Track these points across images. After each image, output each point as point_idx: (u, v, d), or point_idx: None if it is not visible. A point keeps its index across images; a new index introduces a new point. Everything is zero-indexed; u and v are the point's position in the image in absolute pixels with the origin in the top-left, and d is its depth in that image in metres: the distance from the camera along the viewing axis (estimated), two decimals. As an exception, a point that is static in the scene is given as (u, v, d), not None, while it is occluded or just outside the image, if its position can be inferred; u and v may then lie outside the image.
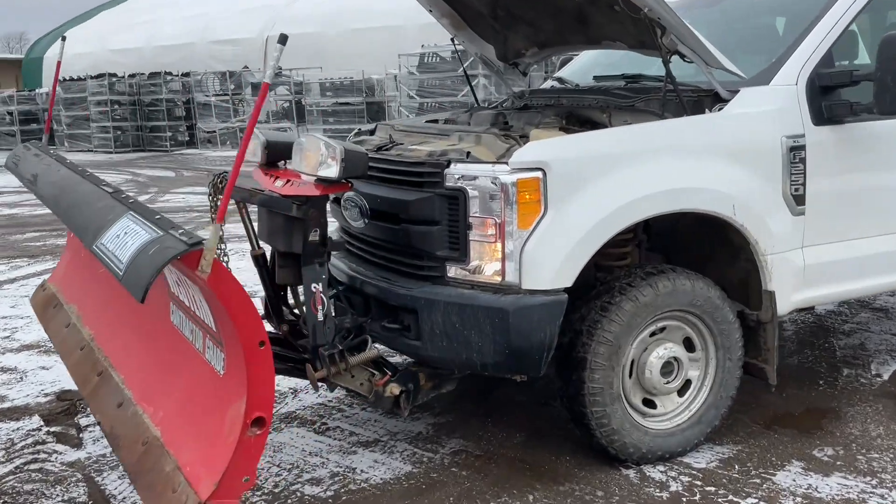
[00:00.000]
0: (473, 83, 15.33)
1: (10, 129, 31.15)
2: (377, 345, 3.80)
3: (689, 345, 3.85)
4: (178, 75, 26.33)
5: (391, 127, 4.57)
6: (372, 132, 4.78)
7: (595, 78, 4.86)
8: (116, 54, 30.90)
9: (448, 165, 3.56)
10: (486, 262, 3.50)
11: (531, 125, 4.26)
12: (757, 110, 3.80)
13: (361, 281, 3.96)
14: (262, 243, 4.00)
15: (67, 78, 28.12)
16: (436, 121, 5.01)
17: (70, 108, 28.09)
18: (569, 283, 3.43)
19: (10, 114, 31.00)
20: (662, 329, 3.75)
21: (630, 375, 3.71)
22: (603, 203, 3.45)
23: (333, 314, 3.80)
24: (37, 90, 32.27)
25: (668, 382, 3.77)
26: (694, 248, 4.09)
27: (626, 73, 4.55)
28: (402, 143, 4.14)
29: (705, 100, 3.90)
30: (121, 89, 26.79)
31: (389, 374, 3.80)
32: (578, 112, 4.43)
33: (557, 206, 3.40)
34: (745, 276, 3.94)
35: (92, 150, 26.97)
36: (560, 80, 5.13)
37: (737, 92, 3.82)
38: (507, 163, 3.42)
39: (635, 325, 3.59)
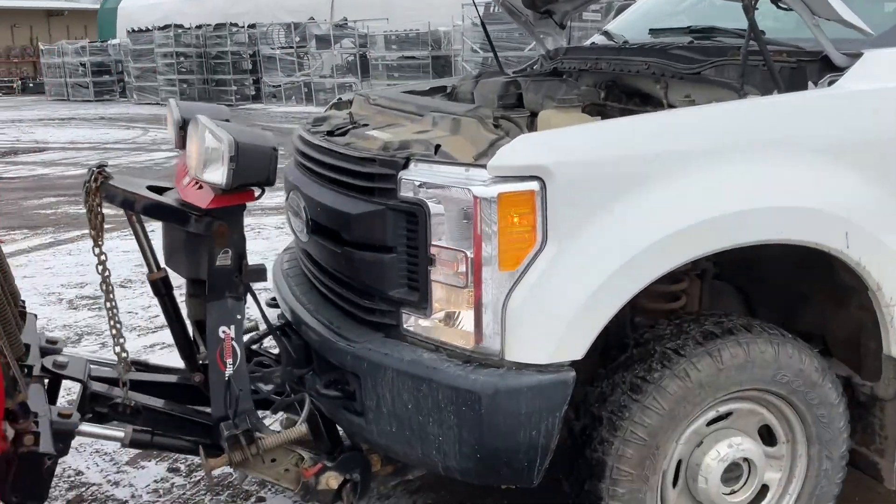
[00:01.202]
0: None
1: (84, 80, 31.02)
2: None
3: (766, 433, 2.58)
4: (243, 27, 25.48)
5: (365, 99, 3.37)
6: (350, 102, 3.59)
7: (652, 32, 3.52)
8: (185, 4, 30.23)
9: (405, 165, 2.36)
10: (453, 314, 2.30)
11: (551, 100, 2.99)
12: (890, 85, 2.44)
13: (300, 320, 2.81)
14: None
15: (136, 29, 27.64)
16: (436, 90, 3.79)
17: (138, 60, 27.67)
18: (578, 354, 2.22)
19: (83, 65, 30.84)
20: (727, 415, 2.49)
21: (674, 484, 2.48)
22: (636, 233, 2.21)
23: (250, 372, 2.69)
24: (110, 41, 32.00)
25: (732, 493, 2.52)
26: (782, 285, 2.79)
27: (694, 27, 3.22)
28: (366, 125, 2.94)
29: (808, 67, 2.58)
30: (187, 41, 26.14)
31: (325, 460, 2.66)
32: (623, 81, 3.14)
33: (562, 237, 2.18)
34: (857, 331, 2.64)
35: (159, 103, 26.51)
36: (607, 34, 3.80)
37: (858, 56, 2.48)
38: (485, 166, 2.19)
39: (684, 413, 2.35)
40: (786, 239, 2.32)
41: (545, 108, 2.81)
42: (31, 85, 38.79)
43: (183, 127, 2.96)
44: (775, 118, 2.37)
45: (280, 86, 24.30)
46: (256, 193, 2.43)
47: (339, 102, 3.77)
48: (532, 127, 2.67)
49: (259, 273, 2.65)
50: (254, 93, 25.62)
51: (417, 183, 2.32)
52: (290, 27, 23.87)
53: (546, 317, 2.20)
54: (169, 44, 25.71)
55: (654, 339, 2.46)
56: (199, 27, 26.20)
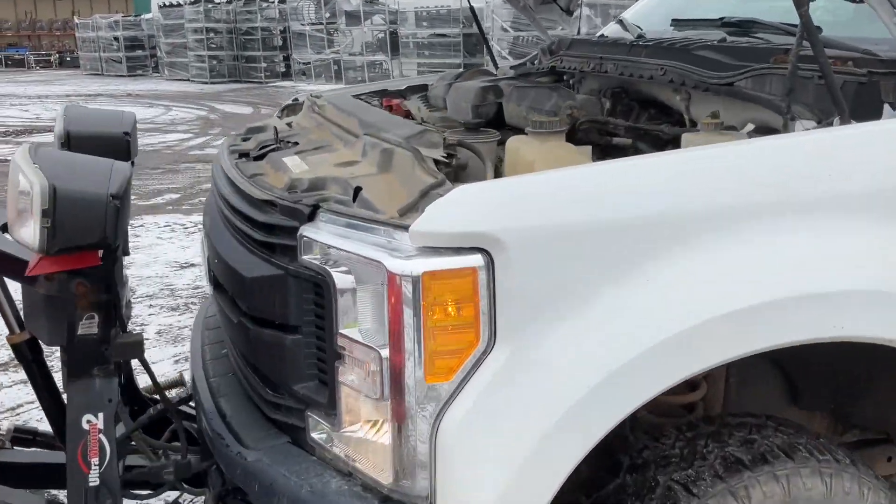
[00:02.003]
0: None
1: (117, 55, 30.75)
2: None
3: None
4: (274, 2, 24.88)
5: (314, 104, 2.69)
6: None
7: (674, 23, 2.78)
8: (217, -22, 29.66)
9: (311, 216, 1.69)
10: (369, 433, 1.63)
11: (538, 113, 2.29)
12: None
13: (199, 401, 2.17)
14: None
15: (168, 3, 27.21)
16: (414, 90, 3.10)
17: (169, 35, 27.26)
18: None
19: (117, 39, 30.55)
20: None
21: None
22: (628, 332, 1.52)
23: (121, 471, 2.07)
24: (143, 16, 31.67)
25: None
26: (833, 367, 2.07)
27: (728, 19, 2.47)
28: (294, 143, 2.28)
29: (883, 82, 1.84)
30: (217, 16, 25.62)
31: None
32: (634, 87, 2.42)
33: (517, 336, 1.51)
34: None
35: (189, 80, 26.10)
36: (622, 23, 3.06)
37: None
38: (408, 228, 1.52)
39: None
40: (846, 336, 1.60)
41: (527, 126, 2.11)
42: (68, 59, 38.71)
43: (66, 143, 2.32)
44: (836, 160, 1.63)
45: (310, 63, 23.70)
46: (101, 254, 1.78)
47: (293, 104, 3.10)
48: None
49: (131, 348, 2.01)
50: (284, 70, 25.10)
51: (323, 243, 1.64)
52: (321, 2, 23.19)
53: (494, 450, 1.52)
54: (199, 19, 25.23)
55: (656, 461, 1.76)
56: (229, 2, 25.67)
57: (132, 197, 2.01)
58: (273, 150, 2.25)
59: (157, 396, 2.74)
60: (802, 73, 1.87)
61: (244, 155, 2.24)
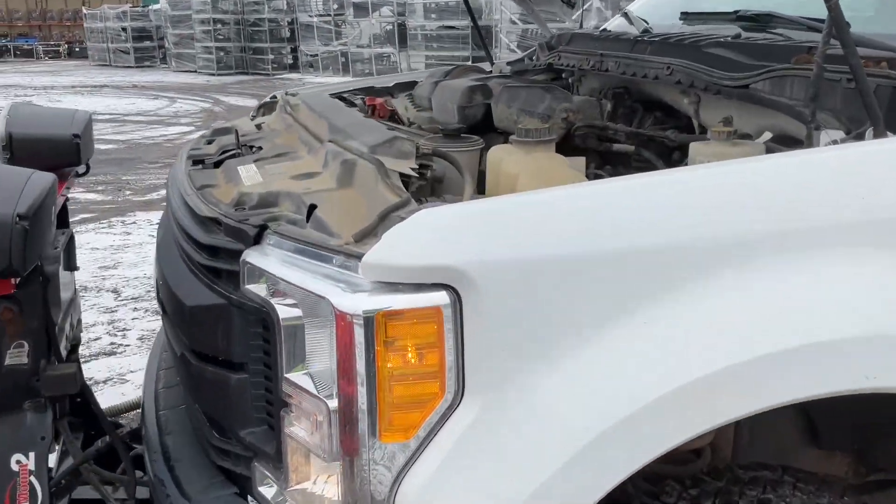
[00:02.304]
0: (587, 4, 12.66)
1: (125, 45, 30.60)
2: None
3: None
4: (282, -8, 24.67)
5: (287, 104, 2.45)
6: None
7: (684, 17, 2.52)
8: (225, -32, 29.43)
9: (257, 239, 1.46)
10: (318, 493, 1.40)
11: (529, 117, 2.05)
12: None
13: (148, 438, 1.94)
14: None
15: (175, -7, 27.04)
16: (401, 87, 2.86)
17: (177, 26, 27.07)
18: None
19: (125, 30, 30.39)
20: None
21: None
22: (625, 381, 1.27)
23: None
24: (151, 6, 31.49)
25: None
26: (855, 409, 1.82)
27: (744, 12, 2.22)
28: (258, 148, 2.04)
29: (924, 87, 1.59)
30: (224, 7, 25.40)
31: None
32: (638, 87, 2.18)
33: (490, 388, 1.26)
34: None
35: (196, 72, 25.91)
36: (627, 16, 2.80)
37: None
38: (361, 257, 1.28)
39: None
40: (888, 387, 1.36)
41: (515, 130, 1.86)
42: (77, 49, 38.60)
43: (8, 146, 2.09)
44: (874, 182, 1.39)
45: (317, 55, 23.46)
46: (17, 281, 1.55)
47: (270, 102, 2.87)
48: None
49: (64, 381, 1.78)
50: (291, 61, 24.87)
51: (267, 272, 1.41)
52: (329, -7, 22.96)
53: (459, 522, 1.28)
54: (206, 10, 25.02)
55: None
56: (236, -8, 25.47)
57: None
58: (232, 156, 2.02)
59: (120, 420, 2.54)
60: (829, 74, 1.62)
61: (200, 161, 2.00)
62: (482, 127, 2.31)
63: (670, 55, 2.12)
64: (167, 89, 20.46)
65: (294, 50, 24.73)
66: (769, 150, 1.70)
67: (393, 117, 2.86)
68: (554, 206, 1.32)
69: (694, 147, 1.78)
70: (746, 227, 1.31)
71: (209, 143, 2.32)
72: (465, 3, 3.06)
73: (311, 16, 23.48)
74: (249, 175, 1.75)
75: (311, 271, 1.36)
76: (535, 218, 1.29)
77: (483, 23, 18.56)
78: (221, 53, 25.38)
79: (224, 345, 1.54)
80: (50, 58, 38.38)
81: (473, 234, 1.26)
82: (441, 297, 1.25)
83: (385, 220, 1.37)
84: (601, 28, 2.91)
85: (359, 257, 1.30)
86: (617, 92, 2.32)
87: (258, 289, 1.43)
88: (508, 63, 3.29)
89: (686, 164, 1.79)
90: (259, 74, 24.97)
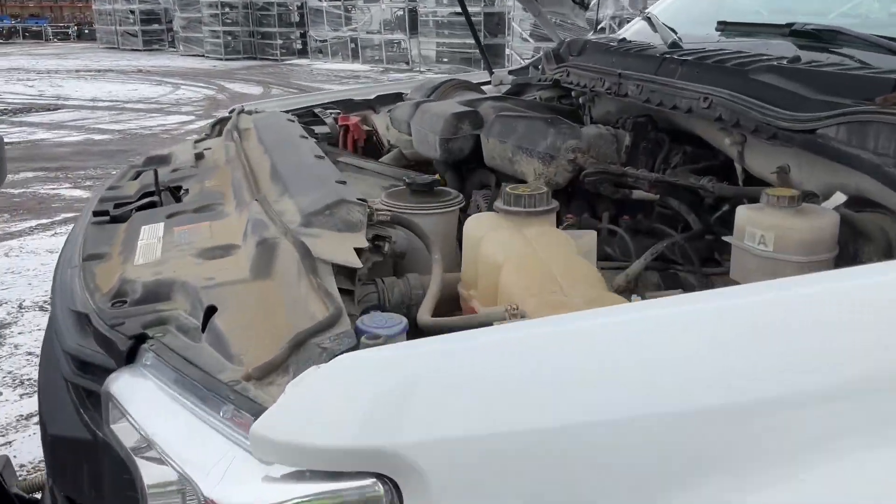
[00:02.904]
0: (603, -4, 12.08)
1: (133, 28, 30.20)
2: None
3: None
4: (291, -24, 24.19)
5: (235, 127, 2.01)
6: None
7: (721, 28, 2.05)
8: (234, -50, 28.92)
9: (131, 356, 1.01)
10: None
11: (527, 157, 1.59)
12: None
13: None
14: None
15: (182, -24, 26.60)
16: (384, 101, 2.41)
17: (185, 10, 26.62)
18: None
19: (133, 13, 29.98)
20: None
21: None
22: None
23: None
24: (159, -12, 31.07)
25: None
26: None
27: (801, 26, 1.76)
28: (183, 190, 1.60)
29: None
30: (233, -10, 24.95)
31: None
32: (664, 117, 1.73)
33: None
34: None
35: (204, 56, 25.49)
36: (650, 21, 2.34)
37: None
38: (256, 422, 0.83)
39: None
40: None
41: (502, 195, 1.41)
42: (86, 31, 38.24)
43: None
44: None
45: (326, 41, 22.97)
46: None
47: (220, 120, 2.43)
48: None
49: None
50: (300, 47, 24.39)
51: (130, 416, 0.97)
52: (339, -23, 22.43)
53: None
54: (214, -7, 24.57)
55: None
56: (245, -25, 24.98)
57: None
58: (146, 205, 1.58)
59: (37, 496, 2.12)
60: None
61: (104, 213, 1.57)
62: (471, 161, 1.87)
63: (708, 81, 1.66)
64: (172, 74, 20.03)
65: (303, 35, 24.26)
66: (849, 223, 1.26)
67: (371, 139, 2.41)
68: (536, 350, 0.87)
69: (744, 215, 1.33)
70: (815, 382, 0.86)
71: (136, 177, 1.89)
72: (465, 13, 2.60)
73: (321, 0, 23.00)
74: (148, 244, 1.31)
75: (188, 424, 0.93)
76: (507, 374, 0.85)
77: (495, 9, 18.05)
78: (229, 38, 24.93)
79: (90, 493, 1.11)
80: (59, 40, 38.03)
81: (422, 397, 0.82)
82: (371, 489, 0.81)
83: (299, 349, 0.93)
84: (619, 36, 2.44)
85: (254, 411, 0.86)
86: (639, 122, 1.87)
87: (123, 433, 1.00)
88: (510, 72, 2.83)
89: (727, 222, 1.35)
90: (267, 60, 24.51)
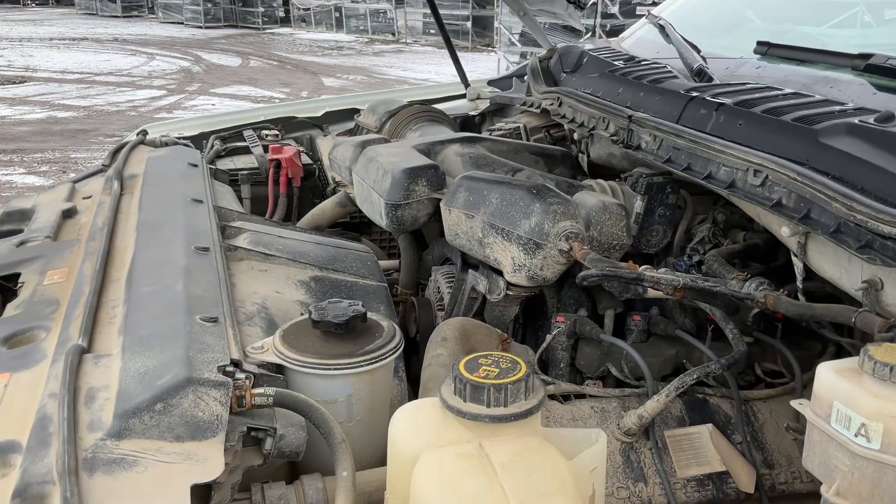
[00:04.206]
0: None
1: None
2: None
3: None
4: (273, -61, 23.37)
5: (118, 174, 1.50)
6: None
7: (764, 51, 1.55)
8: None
9: None
10: None
11: (506, 238, 1.09)
12: None
13: None
14: None
15: (160, -61, 25.73)
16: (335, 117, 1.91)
17: (163, -25, 25.79)
18: None
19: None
20: None
21: None
22: None
23: None
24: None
25: None
26: None
27: (880, 59, 1.26)
28: (22, 286, 1.09)
29: None
30: (213, -45, 24.10)
31: None
32: (690, 183, 1.23)
33: None
34: None
35: (183, 24, 24.71)
36: (662, 29, 1.83)
37: None
38: None
39: None
40: None
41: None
42: (66, -4, 37.24)
43: None
44: None
45: (310, 9, 22.23)
46: None
47: (123, 147, 1.91)
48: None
49: None
50: (283, 15, 23.63)
51: None
52: (322, -57, 21.63)
53: None
54: (193, -43, 23.74)
55: None
56: (225, -62, 24.11)
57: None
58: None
59: None
60: None
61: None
62: (426, 235, 1.38)
63: (758, 140, 1.17)
64: (148, 44, 19.29)
65: (286, 3, 23.49)
66: None
67: (310, 177, 1.91)
68: None
69: (830, 382, 0.85)
70: None
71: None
72: (436, 18, 2.09)
73: (304, -34, 22.25)
74: None
75: None
76: None
77: (485, 13, 17.30)
78: (210, 5, 24.12)
79: None
80: (37, 4, 36.99)
81: None
82: None
83: None
84: (623, 51, 1.92)
85: None
86: (655, 182, 1.37)
87: None
88: (490, 83, 2.32)
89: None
90: (248, 28, 23.74)
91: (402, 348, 0.95)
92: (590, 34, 2.20)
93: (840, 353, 1.40)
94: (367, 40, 20.18)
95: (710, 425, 1.25)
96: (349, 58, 17.51)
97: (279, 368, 0.90)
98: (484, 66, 15.26)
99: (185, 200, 1.31)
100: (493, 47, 15.70)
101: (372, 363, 0.89)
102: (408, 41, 19.07)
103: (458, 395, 0.73)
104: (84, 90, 12.70)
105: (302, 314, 0.95)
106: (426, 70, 15.25)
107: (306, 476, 0.83)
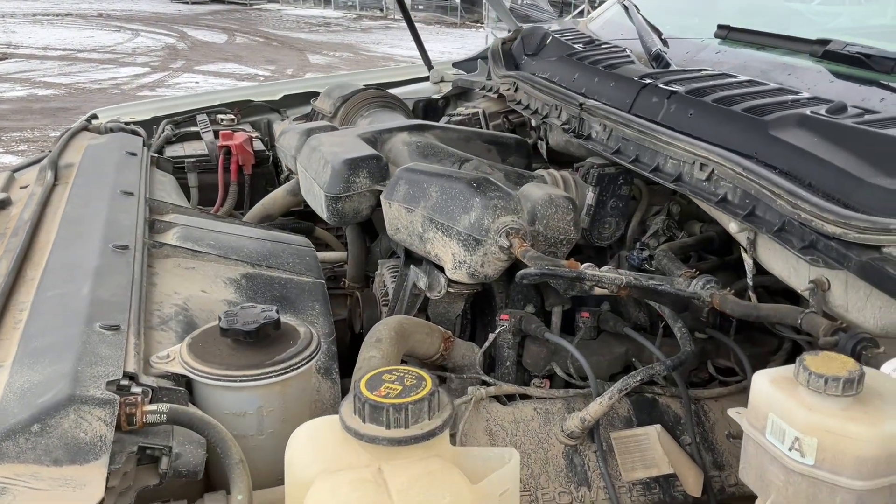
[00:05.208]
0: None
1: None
2: None
3: None
4: (261, -86, 23.04)
5: (53, 163, 1.44)
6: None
7: (724, 35, 1.50)
8: None
9: None
10: None
11: (446, 233, 1.04)
12: None
13: None
14: None
15: (147, -88, 25.30)
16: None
17: (149, -51, 25.41)
18: None
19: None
20: None
21: None
22: None
23: None
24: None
25: None
26: None
27: (838, 45, 1.21)
28: None
29: None
30: (199, -72, 23.76)
31: None
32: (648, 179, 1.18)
33: None
34: None
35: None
36: (627, 11, 1.76)
37: None
38: None
39: None
40: None
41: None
42: (51, -30, 36.72)
43: None
44: None
45: (298, -16, 22.01)
46: None
47: (82, 129, 1.85)
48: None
49: None
50: (271, -10, 23.37)
51: None
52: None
53: None
54: (179, -69, 23.40)
55: None
56: (213, -88, 23.74)
57: None
58: None
59: None
60: None
61: None
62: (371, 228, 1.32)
63: (707, 131, 1.12)
64: (133, 20, 19.06)
65: (273, -22, 23.23)
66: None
67: (262, 164, 1.85)
68: None
69: (765, 392, 0.81)
70: None
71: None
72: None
73: (291, -60, 21.99)
74: None
75: None
76: None
77: None
78: (196, -21, 23.83)
79: None
80: (22, -22, 36.46)
81: None
82: None
83: None
84: (587, 21, 1.86)
85: None
86: (607, 173, 1.32)
87: None
88: (455, 64, 2.26)
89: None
90: (235, 4, 23.47)
91: (317, 354, 0.89)
92: (558, 15, 2.13)
93: (796, 349, 1.36)
94: (354, 16, 19.98)
95: (658, 426, 1.20)
96: (336, 34, 17.33)
97: (187, 379, 0.85)
98: (472, 42, 15.11)
99: (113, 193, 1.25)
100: (481, 23, 15.56)
101: (282, 373, 0.84)
102: (396, 17, 18.89)
103: (358, 414, 0.68)
104: (66, 67, 12.53)
105: (219, 318, 0.89)
106: (414, 47, 15.11)
107: (209, 494, 0.78)
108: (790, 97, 1.14)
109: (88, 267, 0.98)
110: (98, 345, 0.81)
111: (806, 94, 1.15)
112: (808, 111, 1.06)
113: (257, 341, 0.86)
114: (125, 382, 0.77)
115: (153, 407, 0.75)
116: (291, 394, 0.87)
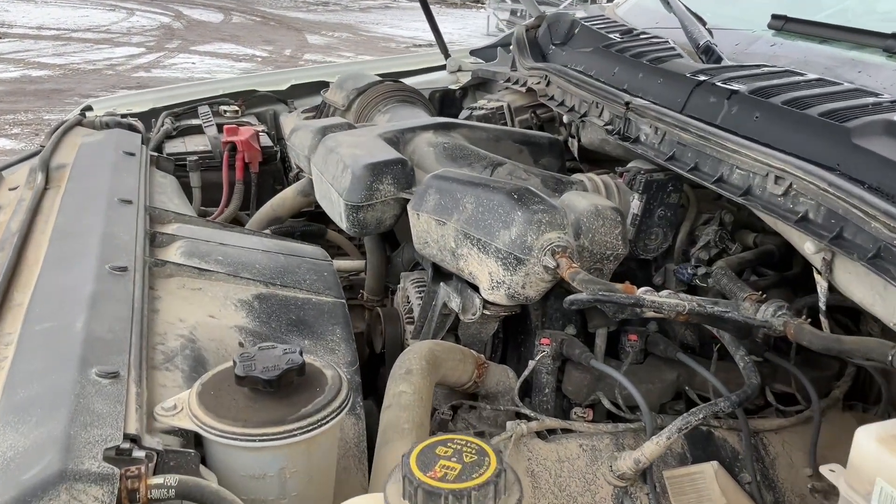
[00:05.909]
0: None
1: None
2: None
3: None
4: None
5: (44, 164, 1.31)
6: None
7: (779, 26, 1.36)
8: None
9: None
10: None
11: (483, 250, 0.92)
12: None
13: None
14: None
15: None
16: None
17: (144, -73, 25.06)
18: None
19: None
20: None
21: None
22: None
23: None
24: None
25: None
26: None
27: None
28: None
29: None
30: None
31: None
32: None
33: None
34: None
35: (164, -23, 24.07)
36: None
37: None
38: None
39: None
40: None
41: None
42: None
43: None
44: None
45: (296, -37, 21.69)
46: None
47: (74, 123, 1.71)
48: None
49: None
50: (267, -31, 23.06)
51: None
52: None
53: None
54: None
55: None
56: None
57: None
58: None
59: None
60: None
61: None
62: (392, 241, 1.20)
63: (778, 137, 1.00)
64: (129, -1, 18.79)
65: (270, -43, 22.91)
66: None
67: (270, 161, 1.72)
68: None
69: (871, 450, 0.69)
70: None
71: None
72: None
73: (288, -81, 21.65)
74: None
75: None
76: None
77: None
78: (192, -42, 23.49)
79: None
80: (15, -44, 36.03)
81: None
82: None
83: None
84: (620, 22, 1.72)
85: None
86: (655, 180, 1.19)
87: None
88: (473, 52, 2.13)
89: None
90: None
91: (348, 405, 0.77)
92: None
93: (859, 374, 1.24)
94: (357, -6, 19.75)
95: (715, 463, 1.09)
96: (335, 14, 17.12)
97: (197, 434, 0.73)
98: (473, 23, 14.92)
99: (109, 201, 1.12)
100: (483, 3, 15.35)
101: (309, 430, 0.72)
102: (404, -5, 18.65)
103: (409, 499, 0.57)
104: (60, 47, 12.33)
105: (234, 362, 0.76)
106: (414, 27, 14.88)
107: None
108: (870, 100, 1.02)
109: (83, 293, 0.86)
110: (94, 398, 0.69)
111: (888, 97, 1.03)
112: (895, 116, 0.94)
113: (279, 390, 0.74)
114: (126, 446, 0.65)
115: (159, 480, 0.63)
116: (318, 451, 0.75)
